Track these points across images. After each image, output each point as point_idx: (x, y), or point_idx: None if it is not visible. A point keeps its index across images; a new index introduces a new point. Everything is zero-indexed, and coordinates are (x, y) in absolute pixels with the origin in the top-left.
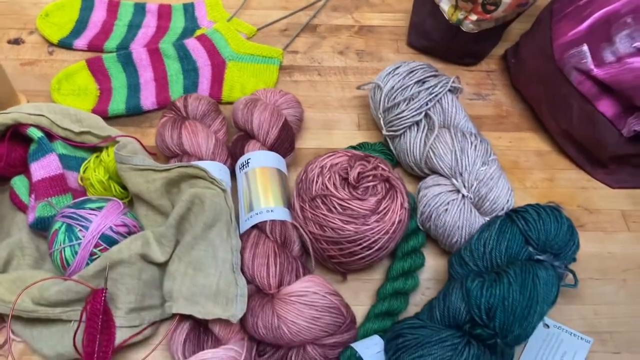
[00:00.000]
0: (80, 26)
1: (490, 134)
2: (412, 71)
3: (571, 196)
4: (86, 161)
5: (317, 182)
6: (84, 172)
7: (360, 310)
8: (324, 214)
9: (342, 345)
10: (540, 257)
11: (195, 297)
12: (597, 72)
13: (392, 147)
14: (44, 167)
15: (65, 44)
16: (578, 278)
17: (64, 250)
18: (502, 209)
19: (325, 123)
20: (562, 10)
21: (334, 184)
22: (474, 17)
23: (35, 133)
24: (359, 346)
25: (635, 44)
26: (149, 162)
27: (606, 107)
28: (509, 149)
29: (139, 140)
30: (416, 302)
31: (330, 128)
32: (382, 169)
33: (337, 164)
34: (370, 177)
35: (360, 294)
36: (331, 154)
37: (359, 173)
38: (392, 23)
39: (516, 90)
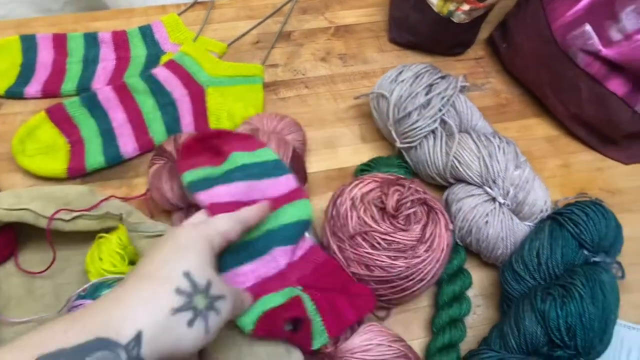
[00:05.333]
0: (27, 70)
1: (496, 125)
2: (417, 76)
3: (590, 180)
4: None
5: (351, 217)
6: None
7: (415, 345)
8: (368, 253)
9: None
10: (597, 259)
11: None
12: (606, 52)
13: (407, 159)
14: None
15: (15, 94)
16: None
17: None
18: (541, 211)
19: (327, 141)
20: None
21: (371, 217)
22: (466, 7)
23: None
24: None
25: None
26: (161, 226)
27: (617, 86)
28: (518, 140)
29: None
30: (470, 324)
31: (333, 146)
32: (416, 190)
33: (368, 192)
34: (409, 203)
35: (411, 327)
36: (357, 181)
37: (397, 200)
38: (367, 19)
39: (511, 75)
